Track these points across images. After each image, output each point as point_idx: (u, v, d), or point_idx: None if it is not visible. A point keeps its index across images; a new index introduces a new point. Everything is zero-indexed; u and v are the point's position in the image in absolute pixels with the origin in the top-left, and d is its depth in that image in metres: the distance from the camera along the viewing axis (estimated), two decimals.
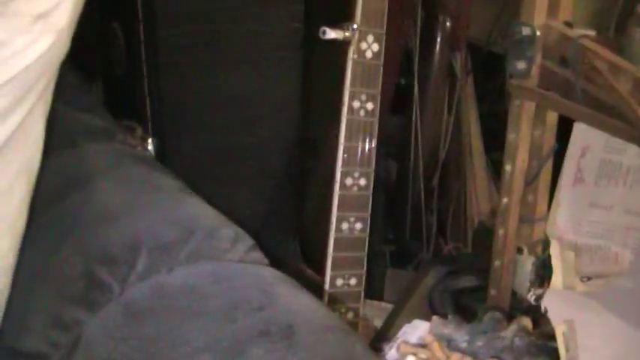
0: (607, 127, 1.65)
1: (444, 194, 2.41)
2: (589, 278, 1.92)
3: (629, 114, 1.52)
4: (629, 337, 1.55)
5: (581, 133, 1.97)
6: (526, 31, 1.75)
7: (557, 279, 1.90)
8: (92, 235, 1.04)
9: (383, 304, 2.09)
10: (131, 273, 0.98)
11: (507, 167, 1.85)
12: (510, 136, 1.83)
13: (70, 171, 1.17)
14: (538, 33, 1.74)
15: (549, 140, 1.85)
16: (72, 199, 1.11)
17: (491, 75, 2.42)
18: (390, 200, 2.46)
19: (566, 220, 2.01)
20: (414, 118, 2.38)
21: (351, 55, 1.67)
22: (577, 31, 1.72)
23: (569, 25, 1.75)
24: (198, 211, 1.12)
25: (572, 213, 2.02)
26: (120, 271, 0.98)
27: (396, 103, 2.37)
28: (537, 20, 1.74)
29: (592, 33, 1.73)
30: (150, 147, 1.96)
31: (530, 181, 1.87)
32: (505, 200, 1.87)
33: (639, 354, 1.52)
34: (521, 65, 1.78)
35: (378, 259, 2.31)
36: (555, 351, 1.57)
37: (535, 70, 1.76)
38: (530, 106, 1.80)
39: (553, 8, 1.74)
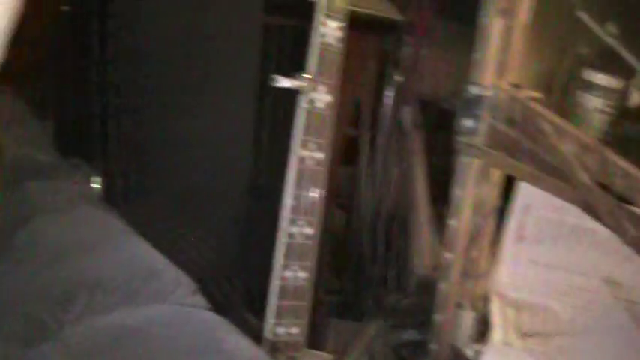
0: (550, 188, 1.68)
1: (390, 246, 2.43)
2: (529, 335, 1.94)
3: (572, 176, 1.55)
4: None
5: (526, 191, 2.01)
6: (475, 90, 1.78)
7: (497, 335, 1.91)
8: (36, 273, 1.03)
9: (324, 354, 2.07)
10: (70, 312, 0.97)
11: (452, 223, 1.87)
12: (456, 192, 1.85)
13: (15, 208, 1.15)
14: (487, 93, 1.77)
15: (494, 198, 1.88)
16: (17, 237, 1.10)
17: (441, 131, 2.45)
18: (335, 250, 2.46)
19: (507, 277, 2.03)
20: (362, 170, 2.40)
21: (303, 104, 1.68)
22: (524, 93, 1.76)
23: (517, 86, 1.79)
24: (142, 252, 1.12)
25: (514, 270, 2.04)
26: (58, 311, 0.97)
27: (346, 153, 2.39)
28: (486, 80, 1.77)
29: (539, 95, 1.77)
30: (95, 186, 1.95)
31: (474, 237, 1.89)
32: (448, 255, 1.89)
33: None
34: (469, 123, 1.80)
35: (321, 308, 2.30)
36: None
37: (483, 129, 1.79)
38: (476, 164, 1.83)
39: (502, 69, 1.78)
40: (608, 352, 1.61)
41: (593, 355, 1.66)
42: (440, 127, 2.43)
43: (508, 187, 1.98)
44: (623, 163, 1.48)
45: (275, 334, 1.82)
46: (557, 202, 1.82)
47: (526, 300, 2.03)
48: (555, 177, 1.62)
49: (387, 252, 2.40)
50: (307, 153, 1.72)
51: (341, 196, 2.44)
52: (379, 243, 2.41)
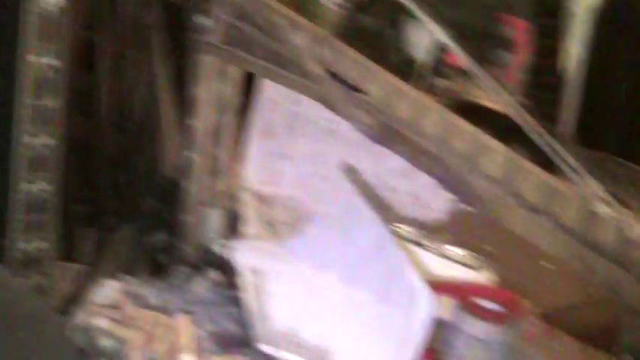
0: (288, 83, 1.70)
1: (135, 150, 2.38)
2: (279, 227, 1.99)
3: (306, 68, 1.58)
4: (308, 277, 1.63)
5: (269, 87, 2.03)
6: None
7: (247, 230, 1.95)
8: None
9: (76, 265, 2.03)
10: None
11: (192, 122, 1.86)
12: (194, 92, 1.84)
13: None
14: None
15: (234, 95, 1.89)
16: None
17: (180, 30, 2.40)
18: (81, 158, 2.38)
19: (256, 173, 2.07)
20: (102, 74, 2.33)
21: (31, 7, 1.60)
22: None
23: None
24: None
25: (262, 165, 2.08)
26: None
27: (85, 58, 2.30)
28: None
29: None
30: None
31: (216, 135, 1.89)
32: (191, 155, 1.88)
33: (320, 295, 1.60)
34: (204, 21, 1.79)
35: (69, 219, 2.24)
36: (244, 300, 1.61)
37: (217, 26, 1.78)
38: (214, 62, 1.82)
39: None
40: (347, 231, 1.69)
41: (336, 236, 1.74)
42: (179, 26, 2.39)
43: (252, 84, 2.00)
44: (354, 54, 1.52)
45: (21, 251, 1.76)
46: (301, 95, 1.85)
47: (276, 193, 2.08)
48: (291, 71, 1.64)
49: (133, 157, 2.36)
50: (41, 60, 1.65)
51: (82, 102, 2.35)
52: (124, 148, 2.36)
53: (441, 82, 2.41)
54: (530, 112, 1.35)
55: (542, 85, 2.38)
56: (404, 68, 2.40)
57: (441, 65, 2.45)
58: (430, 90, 2.37)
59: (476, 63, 1.38)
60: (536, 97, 2.35)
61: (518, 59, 2.42)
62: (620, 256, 1.16)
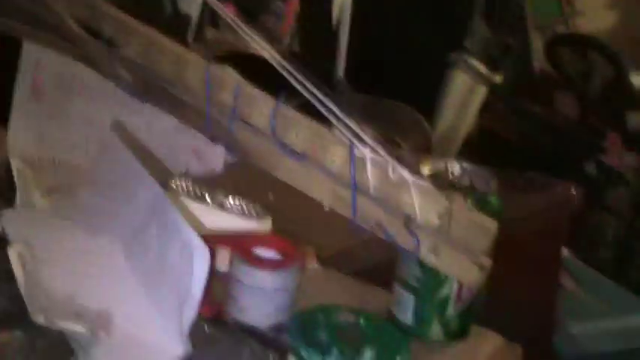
0: (48, 43, 1.65)
1: None
2: (53, 192, 1.93)
3: (65, 28, 1.53)
4: (84, 243, 1.60)
5: (33, 48, 1.95)
6: None
7: (18, 198, 1.87)
8: None
9: None
10: None
11: None
12: None
13: None
14: None
15: None
16: None
17: None
18: None
19: (24, 137, 2.00)
20: None
21: None
22: None
23: None
24: None
25: (31, 128, 2.01)
26: None
27: None
28: None
29: None
30: None
31: None
32: None
33: (98, 259, 1.58)
34: None
35: None
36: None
37: None
38: None
39: None
40: (123, 191, 1.67)
41: (112, 198, 1.71)
42: None
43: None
44: (110, 9, 1.48)
45: None
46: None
47: (47, 157, 2.02)
48: (49, 31, 1.59)
49: None
50: None
51: None
52: None
53: (214, 35, 2.40)
54: (299, 60, 1.36)
55: (316, 33, 2.43)
56: (178, 24, 2.38)
57: (214, 18, 2.45)
58: (203, 43, 2.36)
59: (250, 13, 1.37)
60: (310, 45, 2.40)
61: (291, 8, 2.44)
62: (384, 197, 1.20)
